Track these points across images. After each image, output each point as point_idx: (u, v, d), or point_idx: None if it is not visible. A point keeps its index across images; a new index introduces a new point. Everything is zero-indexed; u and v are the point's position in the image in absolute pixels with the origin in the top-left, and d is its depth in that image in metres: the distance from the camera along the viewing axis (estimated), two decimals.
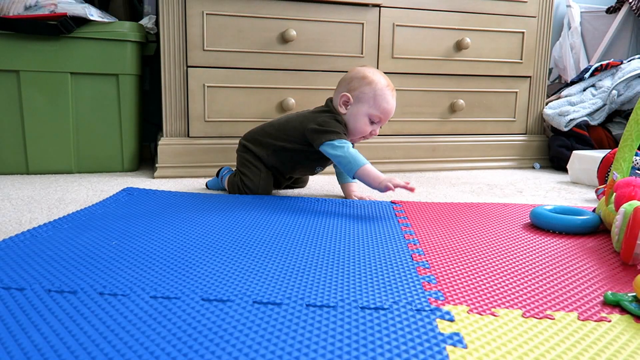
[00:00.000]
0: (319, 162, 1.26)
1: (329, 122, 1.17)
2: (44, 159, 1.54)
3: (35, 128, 1.52)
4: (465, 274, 0.73)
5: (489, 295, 0.66)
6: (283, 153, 1.24)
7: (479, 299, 0.64)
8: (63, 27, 1.45)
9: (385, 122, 1.21)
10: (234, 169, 1.38)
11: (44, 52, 1.48)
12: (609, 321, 0.59)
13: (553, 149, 1.87)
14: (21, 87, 1.49)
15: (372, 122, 1.20)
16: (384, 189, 1.08)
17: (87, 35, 1.50)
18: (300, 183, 1.43)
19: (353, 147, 1.17)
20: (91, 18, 1.49)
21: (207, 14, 1.53)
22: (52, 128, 1.53)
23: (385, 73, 1.83)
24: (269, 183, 1.28)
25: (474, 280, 0.71)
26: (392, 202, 1.22)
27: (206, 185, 1.42)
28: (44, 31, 1.45)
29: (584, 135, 1.82)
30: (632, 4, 2.14)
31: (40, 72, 1.49)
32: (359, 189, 1.31)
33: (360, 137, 1.23)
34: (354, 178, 1.14)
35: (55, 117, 1.53)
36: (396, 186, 1.08)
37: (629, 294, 0.64)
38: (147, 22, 1.65)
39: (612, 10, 2.23)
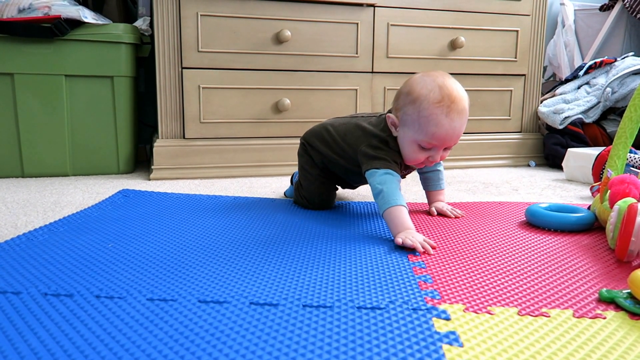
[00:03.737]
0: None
1: (380, 147, 0.97)
2: (39, 162, 1.54)
3: (30, 131, 1.51)
4: (461, 273, 0.73)
5: (484, 293, 0.66)
6: (334, 165, 1.10)
7: (475, 297, 0.64)
8: (57, 29, 1.44)
9: (447, 145, 0.94)
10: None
11: (38, 54, 1.47)
12: (604, 318, 0.59)
13: (548, 146, 1.88)
14: (15, 90, 1.48)
15: (423, 148, 0.94)
16: (396, 243, 0.86)
17: (81, 37, 1.49)
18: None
19: (402, 177, 1.00)
20: (85, 20, 1.48)
21: (201, 15, 1.53)
22: (47, 131, 1.53)
23: (379, 73, 1.79)
24: (328, 189, 1.13)
25: (469, 279, 0.71)
26: None
27: (284, 194, 1.31)
28: (37, 34, 1.44)
29: (578, 133, 1.83)
30: (626, 1, 2.14)
31: (34, 75, 1.48)
32: (446, 198, 1.14)
33: (420, 164, 0.99)
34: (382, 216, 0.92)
35: (50, 120, 1.52)
36: (410, 246, 0.83)
37: (624, 291, 0.65)
38: (141, 23, 1.64)
39: (605, 8, 2.24)
